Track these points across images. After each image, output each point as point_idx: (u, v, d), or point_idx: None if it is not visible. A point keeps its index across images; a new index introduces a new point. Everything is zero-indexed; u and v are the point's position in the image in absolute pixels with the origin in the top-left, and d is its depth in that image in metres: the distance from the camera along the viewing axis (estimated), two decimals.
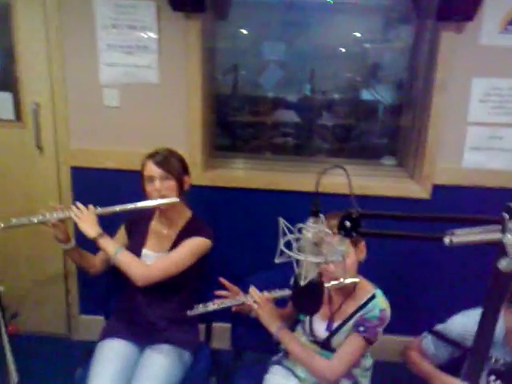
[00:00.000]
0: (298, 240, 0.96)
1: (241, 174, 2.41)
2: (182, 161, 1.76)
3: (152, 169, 1.67)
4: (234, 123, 3.49)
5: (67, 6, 2.14)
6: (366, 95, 3.33)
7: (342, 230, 0.88)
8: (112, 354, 1.62)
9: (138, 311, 1.73)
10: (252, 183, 2.31)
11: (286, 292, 1.58)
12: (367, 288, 1.54)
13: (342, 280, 1.44)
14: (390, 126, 2.88)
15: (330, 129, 3.45)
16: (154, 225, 1.82)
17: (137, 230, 1.82)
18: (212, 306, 1.57)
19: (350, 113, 3.43)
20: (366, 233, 0.86)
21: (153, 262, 1.70)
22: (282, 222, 0.98)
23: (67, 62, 2.20)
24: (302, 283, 0.93)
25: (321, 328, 1.56)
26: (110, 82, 2.19)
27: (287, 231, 0.97)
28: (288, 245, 0.96)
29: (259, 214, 2.33)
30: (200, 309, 1.58)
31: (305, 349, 1.53)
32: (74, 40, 2.17)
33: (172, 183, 1.68)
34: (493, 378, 1.21)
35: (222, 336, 2.01)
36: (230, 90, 3.42)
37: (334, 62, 3.17)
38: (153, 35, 2.11)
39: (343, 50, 3.02)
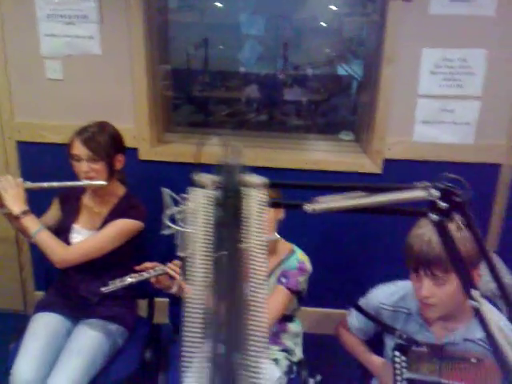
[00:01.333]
0: (180, 212, 0.93)
1: (192, 148, 2.36)
2: (114, 138, 1.67)
3: (79, 148, 1.59)
4: (203, 98, 3.44)
5: None
6: (340, 70, 3.28)
7: None
8: (42, 328, 1.61)
9: (71, 286, 1.72)
10: (203, 158, 2.27)
11: None
12: (287, 246, 1.64)
13: None
14: (357, 101, 2.83)
15: (301, 104, 3.40)
16: (87, 200, 1.78)
17: (69, 203, 1.79)
18: (129, 279, 1.50)
19: (323, 88, 3.38)
20: None
21: (74, 244, 1.66)
22: (165, 192, 0.96)
23: (6, 34, 2.12)
24: (181, 254, 0.91)
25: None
26: (52, 53, 2.12)
27: (170, 202, 0.94)
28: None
29: None
30: (117, 283, 1.51)
31: None
32: (12, 10, 2.09)
33: (100, 165, 1.61)
34: (397, 353, 1.20)
35: (164, 311, 2.01)
36: (200, 64, 3.37)
37: (309, 36, 3.09)
38: (92, 4, 2.03)
39: (321, 23, 2.94)
